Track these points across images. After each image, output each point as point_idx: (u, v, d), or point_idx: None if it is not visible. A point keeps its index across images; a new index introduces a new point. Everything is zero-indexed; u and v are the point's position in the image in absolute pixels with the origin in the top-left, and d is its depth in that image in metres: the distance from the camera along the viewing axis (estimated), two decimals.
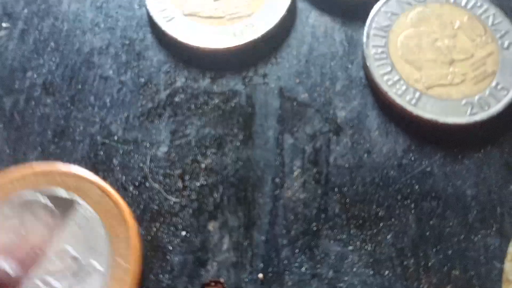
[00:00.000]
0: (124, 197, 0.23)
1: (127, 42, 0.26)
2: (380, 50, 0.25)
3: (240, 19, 0.26)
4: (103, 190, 0.22)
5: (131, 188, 0.23)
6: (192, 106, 0.25)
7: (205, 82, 0.25)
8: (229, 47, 0.25)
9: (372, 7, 0.26)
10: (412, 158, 0.24)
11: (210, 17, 0.26)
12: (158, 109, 0.25)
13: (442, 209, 0.23)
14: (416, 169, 0.23)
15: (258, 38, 0.25)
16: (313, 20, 0.27)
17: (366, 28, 0.26)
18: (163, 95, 0.25)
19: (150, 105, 0.25)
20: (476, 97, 0.24)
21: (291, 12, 0.27)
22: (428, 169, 0.23)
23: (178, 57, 0.26)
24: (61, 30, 0.26)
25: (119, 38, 0.26)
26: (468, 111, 0.24)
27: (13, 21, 0.27)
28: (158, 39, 0.26)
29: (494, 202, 0.23)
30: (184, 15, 0.26)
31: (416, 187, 0.23)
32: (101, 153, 0.24)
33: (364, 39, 0.26)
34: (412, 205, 0.23)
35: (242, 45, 0.25)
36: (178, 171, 0.23)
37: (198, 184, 0.23)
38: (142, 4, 0.27)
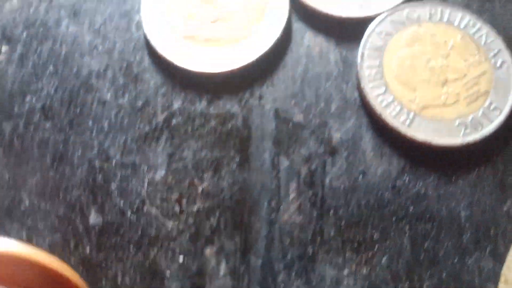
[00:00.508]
0: (122, 222, 0.23)
1: (124, 65, 0.26)
2: (374, 71, 0.26)
3: (237, 42, 0.26)
4: None
5: (129, 213, 0.23)
6: (189, 129, 0.25)
7: (201, 105, 0.25)
8: (225, 71, 0.25)
9: (367, 27, 0.26)
10: (407, 180, 0.24)
11: (208, 40, 0.26)
12: (156, 132, 0.25)
13: (436, 231, 0.23)
14: (410, 191, 0.24)
15: (254, 61, 0.26)
16: (308, 41, 0.27)
17: (360, 49, 0.26)
18: (160, 118, 0.25)
19: (147, 128, 0.25)
20: (470, 118, 0.25)
21: (287, 33, 0.27)
22: (423, 190, 0.24)
23: (175, 80, 0.26)
24: (60, 53, 0.27)
25: (116, 61, 0.26)
26: (462, 132, 0.24)
27: (12, 44, 0.27)
28: (155, 62, 0.26)
29: (488, 223, 0.23)
30: (181, 38, 0.26)
31: (411, 209, 0.23)
32: (100, 177, 0.24)
33: (358, 60, 0.26)
34: (407, 227, 0.23)
35: (238, 68, 0.25)
36: (175, 196, 0.24)
37: (195, 208, 0.23)
38: (139, 27, 0.27)
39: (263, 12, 0.27)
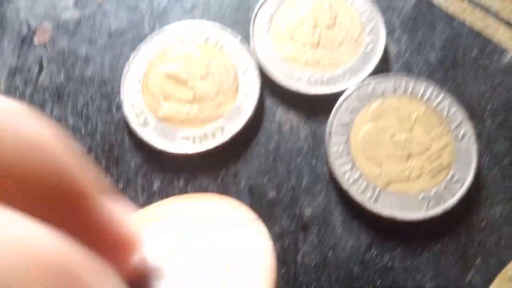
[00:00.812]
0: None
1: (106, 147, 0.28)
2: (341, 147, 0.27)
3: (211, 122, 0.28)
4: None
5: None
6: None
7: (180, 184, 0.27)
8: (201, 151, 0.27)
9: (335, 102, 0.28)
10: (374, 254, 0.25)
11: (183, 121, 0.28)
12: None
13: None
14: (378, 265, 0.25)
15: (228, 140, 0.27)
16: (279, 117, 0.28)
17: (328, 126, 0.27)
18: (141, 199, 0.27)
19: None
20: (433, 191, 0.26)
21: (259, 110, 0.28)
22: (390, 264, 0.25)
23: (154, 160, 0.27)
24: None
25: (99, 143, 0.28)
26: (425, 207, 0.25)
27: None
28: (135, 143, 0.28)
29: None
30: (158, 119, 0.28)
31: (378, 282, 0.25)
32: None
33: (326, 137, 0.27)
34: None
35: (212, 148, 0.27)
36: None
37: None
38: (119, 108, 0.28)
39: (235, 93, 0.28)
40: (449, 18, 0.31)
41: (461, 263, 0.25)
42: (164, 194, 0.27)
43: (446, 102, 0.28)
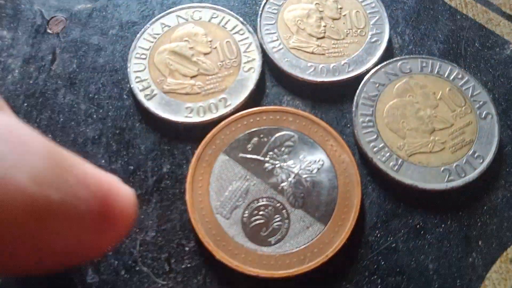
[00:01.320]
0: (116, 281, 0.25)
1: (117, 131, 0.29)
2: (367, 118, 0.28)
3: (214, 94, 0.28)
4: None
5: (122, 272, 0.25)
6: (177, 191, 0.27)
7: (188, 167, 0.28)
8: (204, 121, 0.28)
9: (337, 89, 0.29)
10: (378, 235, 0.26)
11: (188, 94, 0.29)
12: (146, 195, 0.27)
13: (406, 283, 0.25)
14: (382, 246, 0.26)
15: (230, 113, 0.28)
16: (285, 103, 0.29)
17: (355, 98, 0.28)
18: (150, 181, 0.27)
19: (139, 191, 0.27)
20: (454, 165, 0.26)
21: (261, 84, 0.30)
22: (393, 245, 0.26)
23: (163, 144, 0.28)
24: (58, 122, 0.29)
25: (110, 128, 0.29)
26: (446, 178, 0.26)
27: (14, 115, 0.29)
28: (145, 127, 0.29)
29: (455, 275, 0.25)
30: (163, 92, 0.29)
31: (382, 263, 0.25)
32: None
33: (353, 108, 0.28)
34: (379, 281, 0.25)
35: (216, 118, 0.28)
36: (164, 255, 0.26)
37: (183, 266, 0.26)
38: (130, 95, 0.29)
39: (238, 68, 0.30)
40: (452, 11, 0.32)
41: (464, 245, 0.25)
42: (173, 176, 0.27)
43: (471, 83, 0.29)
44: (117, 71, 0.30)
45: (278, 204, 0.25)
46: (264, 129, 0.27)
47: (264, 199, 0.25)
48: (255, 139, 0.27)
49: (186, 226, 0.26)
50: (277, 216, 0.25)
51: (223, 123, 0.27)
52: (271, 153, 0.26)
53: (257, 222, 0.25)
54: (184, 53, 0.30)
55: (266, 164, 0.26)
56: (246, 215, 0.25)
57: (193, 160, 0.26)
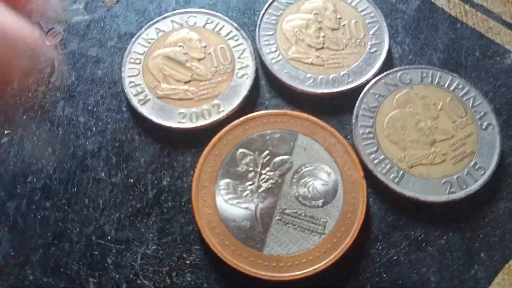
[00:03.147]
0: None
1: (116, 144, 0.28)
2: (367, 130, 0.28)
3: (207, 100, 0.28)
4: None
5: (124, 286, 0.25)
6: (177, 204, 0.27)
7: (188, 179, 0.27)
8: (196, 127, 0.28)
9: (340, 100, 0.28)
10: (380, 247, 0.26)
11: (181, 100, 0.29)
12: (147, 209, 0.27)
13: None
14: (383, 258, 0.25)
15: (224, 118, 0.28)
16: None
17: (355, 109, 0.28)
18: (150, 194, 0.27)
19: (139, 205, 0.27)
20: (455, 177, 0.26)
21: (254, 91, 0.30)
22: (395, 257, 0.25)
23: (163, 156, 0.28)
24: (57, 134, 0.29)
25: (109, 141, 0.29)
26: (447, 190, 0.26)
27: (13, 128, 0.29)
28: (144, 133, 0.28)
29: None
30: (157, 97, 0.29)
31: (384, 275, 0.25)
32: (96, 253, 0.26)
33: (353, 119, 0.28)
34: None
35: (209, 123, 0.28)
36: (166, 268, 0.26)
37: (184, 279, 0.25)
38: (129, 107, 0.29)
39: (231, 74, 0.30)
40: (452, 21, 0.32)
41: (466, 257, 0.25)
42: (173, 189, 0.27)
43: (472, 94, 0.28)
44: (115, 83, 0.30)
45: (282, 212, 0.25)
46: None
47: (272, 208, 0.25)
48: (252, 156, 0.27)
49: (187, 239, 0.26)
50: (282, 223, 0.25)
51: (224, 130, 0.28)
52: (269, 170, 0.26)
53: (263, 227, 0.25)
54: (178, 58, 0.30)
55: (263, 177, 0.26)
56: (251, 223, 0.25)
57: (195, 174, 0.26)
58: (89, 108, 0.30)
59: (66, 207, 0.27)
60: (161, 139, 0.28)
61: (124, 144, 0.29)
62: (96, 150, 0.28)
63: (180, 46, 0.30)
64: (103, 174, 0.28)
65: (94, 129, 0.29)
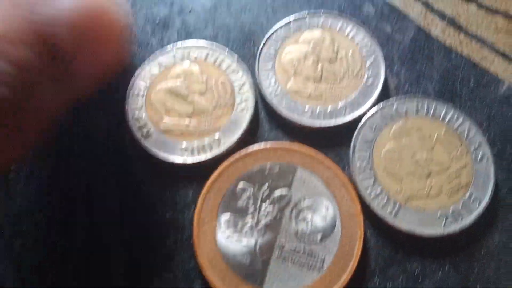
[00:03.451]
0: None
1: (114, 168, 0.29)
2: (364, 163, 0.28)
3: (208, 134, 0.29)
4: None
5: None
6: (178, 239, 0.28)
7: (189, 214, 0.28)
8: (198, 162, 0.29)
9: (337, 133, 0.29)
10: (377, 282, 0.26)
11: (183, 134, 0.30)
12: None
13: None
14: None
15: (224, 152, 0.29)
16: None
17: (352, 141, 0.29)
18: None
19: None
20: (451, 209, 0.27)
21: (254, 124, 0.30)
22: None
23: (167, 191, 0.29)
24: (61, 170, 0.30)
25: (107, 164, 0.29)
26: (443, 223, 0.27)
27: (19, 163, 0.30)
28: (142, 162, 0.29)
29: None
30: (160, 132, 0.29)
31: None
32: None
33: (350, 152, 0.29)
34: None
35: (210, 158, 0.29)
36: None
37: None
38: (128, 128, 0.30)
39: (231, 108, 0.31)
40: (447, 51, 0.33)
41: None
42: (175, 224, 0.28)
43: (466, 125, 0.29)
44: (114, 102, 0.30)
45: (281, 248, 0.26)
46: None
47: (271, 244, 0.26)
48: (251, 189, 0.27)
49: (188, 276, 0.27)
50: (281, 259, 0.26)
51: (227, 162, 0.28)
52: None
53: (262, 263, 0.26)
54: (180, 92, 0.30)
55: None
56: (250, 259, 0.26)
57: (197, 210, 0.27)
58: (87, 128, 0.30)
59: None
60: (162, 172, 0.29)
61: (123, 166, 0.29)
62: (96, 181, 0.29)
63: (182, 79, 0.31)
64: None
65: (92, 150, 0.30)
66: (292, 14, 0.33)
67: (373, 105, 0.30)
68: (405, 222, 0.27)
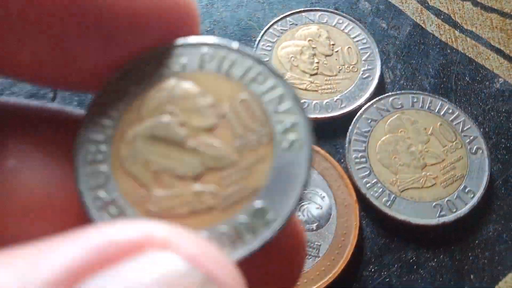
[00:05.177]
0: None
1: None
2: (360, 154, 0.28)
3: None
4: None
5: None
6: None
7: None
8: None
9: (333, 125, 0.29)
10: (372, 270, 0.26)
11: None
12: None
13: None
14: (376, 280, 0.26)
15: None
16: None
17: (348, 134, 0.29)
18: None
19: None
20: (445, 200, 0.27)
21: None
22: (387, 279, 0.26)
23: None
24: None
25: None
26: (438, 213, 0.27)
27: None
28: None
29: None
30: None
31: None
32: None
33: (346, 144, 0.28)
34: None
35: None
36: None
37: None
38: None
39: None
40: (443, 46, 0.33)
41: (456, 278, 0.26)
42: None
43: (461, 118, 0.29)
44: None
45: None
46: None
47: None
48: None
49: None
50: None
51: None
52: None
53: None
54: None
55: None
56: None
57: None
58: None
59: None
60: None
61: None
62: None
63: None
64: None
65: None
66: (288, 9, 0.33)
67: (369, 99, 0.30)
68: (400, 212, 0.27)
